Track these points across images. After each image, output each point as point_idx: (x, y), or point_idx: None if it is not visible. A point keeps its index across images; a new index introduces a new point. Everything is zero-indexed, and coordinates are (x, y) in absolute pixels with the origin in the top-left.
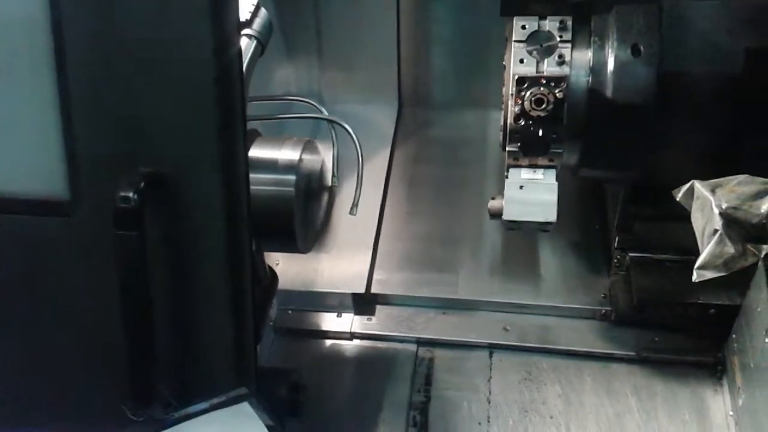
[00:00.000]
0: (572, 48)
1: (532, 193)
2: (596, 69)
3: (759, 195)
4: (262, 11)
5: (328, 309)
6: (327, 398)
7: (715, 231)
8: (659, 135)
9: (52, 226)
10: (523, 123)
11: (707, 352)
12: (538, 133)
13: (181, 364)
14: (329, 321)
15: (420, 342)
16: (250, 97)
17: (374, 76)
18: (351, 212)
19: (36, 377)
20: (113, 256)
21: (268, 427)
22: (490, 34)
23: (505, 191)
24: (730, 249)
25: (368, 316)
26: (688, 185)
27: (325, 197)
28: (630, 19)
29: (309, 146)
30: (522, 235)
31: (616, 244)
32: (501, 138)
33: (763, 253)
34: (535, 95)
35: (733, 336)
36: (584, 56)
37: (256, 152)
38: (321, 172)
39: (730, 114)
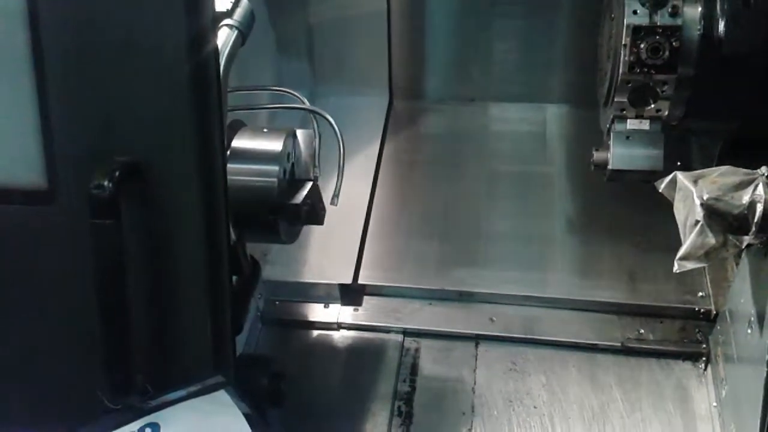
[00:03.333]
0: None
1: (639, 143)
2: (707, 20)
3: (740, 186)
4: (244, 1)
5: (316, 300)
6: (313, 388)
7: (697, 222)
8: (765, 87)
9: (30, 215)
10: (637, 71)
11: (692, 343)
12: (649, 83)
13: (159, 352)
14: (316, 311)
15: (406, 332)
16: (234, 87)
17: (365, 69)
18: (332, 202)
19: (13, 365)
20: (90, 245)
21: (246, 415)
22: (484, 25)
23: (612, 141)
24: (711, 240)
25: (355, 307)
26: (670, 176)
27: (309, 187)
28: None
29: (293, 137)
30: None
31: None
32: (605, 91)
33: (745, 243)
34: (652, 44)
35: (718, 327)
36: (695, 8)
37: (239, 142)
38: (305, 163)
39: None
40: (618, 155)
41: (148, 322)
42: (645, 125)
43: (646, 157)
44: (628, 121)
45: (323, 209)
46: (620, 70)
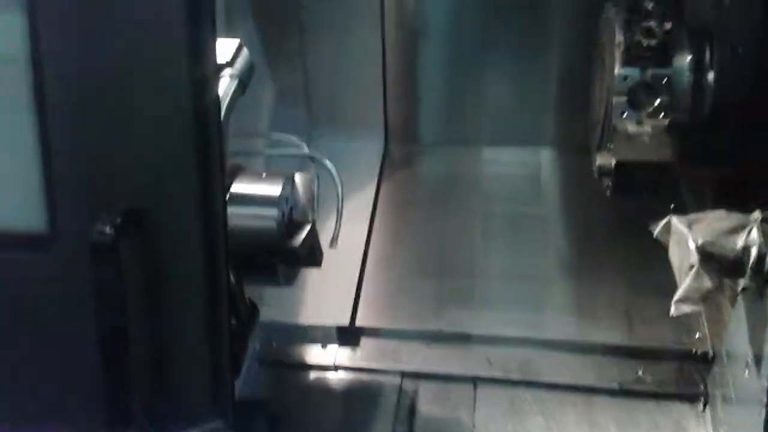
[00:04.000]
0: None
1: (642, 142)
2: (697, 68)
3: (735, 230)
4: (244, 51)
5: (313, 341)
6: (310, 430)
7: (692, 266)
8: (758, 132)
9: (30, 261)
10: (633, 54)
11: (690, 385)
12: (646, 79)
13: (159, 395)
14: (313, 353)
15: (404, 374)
16: (234, 133)
17: (360, 113)
18: (331, 246)
19: (13, 408)
20: (92, 290)
21: None
22: (478, 70)
23: (615, 142)
24: (707, 283)
25: (353, 348)
26: (665, 220)
27: (308, 230)
28: (728, 21)
29: (291, 180)
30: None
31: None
32: (597, 137)
33: (740, 287)
34: (644, 27)
35: (715, 368)
36: (685, 57)
37: (238, 186)
38: (303, 206)
39: None
40: (620, 148)
41: (148, 365)
42: (647, 127)
43: (652, 148)
44: (628, 124)
45: (321, 252)
46: (612, 118)
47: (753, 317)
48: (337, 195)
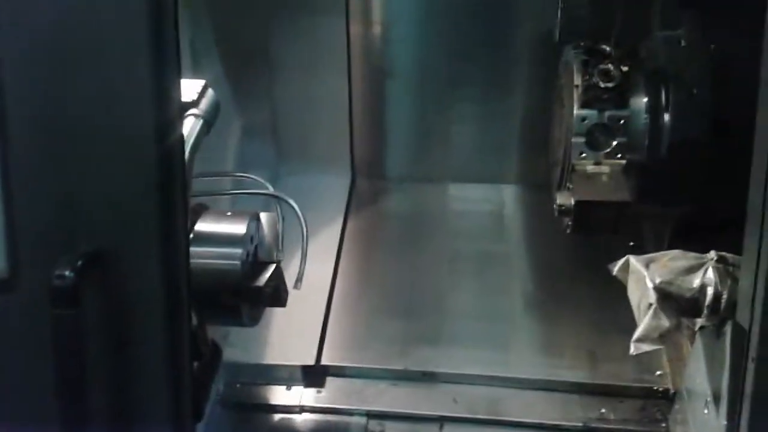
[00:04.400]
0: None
1: (601, 182)
2: (653, 110)
3: (691, 270)
4: (209, 92)
5: (278, 382)
6: None
7: (650, 305)
8: (713, 173)
9: None
10: (591, 95)
11: (652, 423)
12: (604, 120)
13: None
14: (278, 394)
15: (370, 414)
16: (198, 173)
17: (328, 150)
18: (295, 286)
19: None
20: (50, 334)
21: None
22: (443, 108)
23: (573, 181)
24: (665, 323)
25: (318, 389)
26: (623, 260)
27: (272, 270)
28: (683, 65)
29: (256, 219)
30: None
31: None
32: (557, 176)
33: (698, 326)
34: (602, 70)
35: (676, 406)
36: (641, 99)
37: (202, 226)
38: (268, 246)
39: None
40: (579, 189)
41: (108, 407)
42: (605, 168)
43: (610, 188)
44: (587, 166)
45: (286, 292)
46: (571, 158)
47: (711, 356)
48: (302, 235)
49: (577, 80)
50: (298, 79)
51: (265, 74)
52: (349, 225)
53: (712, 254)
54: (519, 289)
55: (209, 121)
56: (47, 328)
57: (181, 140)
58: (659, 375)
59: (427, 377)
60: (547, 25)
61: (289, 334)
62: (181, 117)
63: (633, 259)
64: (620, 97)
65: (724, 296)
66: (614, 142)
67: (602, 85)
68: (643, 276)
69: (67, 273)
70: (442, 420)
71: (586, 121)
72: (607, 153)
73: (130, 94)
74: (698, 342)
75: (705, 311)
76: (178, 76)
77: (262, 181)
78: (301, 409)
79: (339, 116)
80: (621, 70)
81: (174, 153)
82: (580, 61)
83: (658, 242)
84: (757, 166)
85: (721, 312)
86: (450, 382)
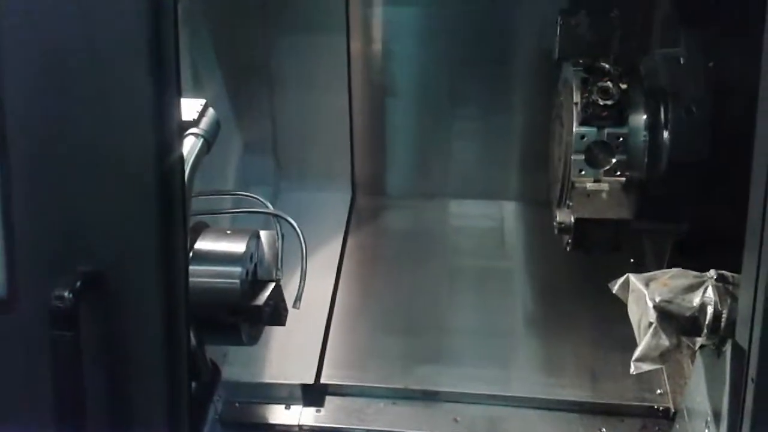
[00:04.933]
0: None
1: (600, 199)
2: (652, 128)
3: (691, 288)
4: (210, 111)
5: (277, 401)
6: None
7: (650, 324)
8: (712, 190)
9: None
10: (591, 113)
11: None
12: (603, 137)
13: None
14: (277, 413)
15: None
16: (198, 192)
17: (328, 166)
18: (294, 306)
19: None
20: (49, 355)
21: None
22: (443, 124)
23: (573, 199)
24: (665, 342)
25: (317, 408)
26: (623, 278)
27: (271, 290)
28: (681, 83)
29: (256, 238)
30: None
31: None
32: (557, 193)
33: (698, 345)
34: (601, 87)
35: (677, 426)
36: (641, 116)
37: (202, 244)
38: (268, 264)
39: None
40: (579, 206)
41: (106, 426)
42: (605, 185)
43: (609, 206)
44: (587, 183)
45: (286, 310)
46: (570, 175)
47: (711, 375)
48: (302, 254)
49: (576, 98)
50: (299, 96)
51: (266, 91)
52: (350, 242)
53: (712, 273)
54: (520, 307)
55: (209, 141)
56: (46, 349)
57: (181, 160)
58: (659, 393)
59: (428, 395)
60: (547, 42)
61: (288, 352)
62: (182, 136)
63: (633, 278)
64: (619, 115)
65: (724, 315)
66: (613, 160)
67: (601, 102)
68: (643, 294)
69: (65, 294)
70: None
71: (585, 139)
72: (607, 170)
73: (129, 115)
74: (698, 361)
75: (705, 330)
76: (179, 96)
77: (262, 200)
78: (300, 429)
79: (339, 133)
80: (620, 88)
81: (173, 173)
82: (579, 78)
83: (659, 259)
84: (755, 184)
85: (721, 331)
86: (451, 401)
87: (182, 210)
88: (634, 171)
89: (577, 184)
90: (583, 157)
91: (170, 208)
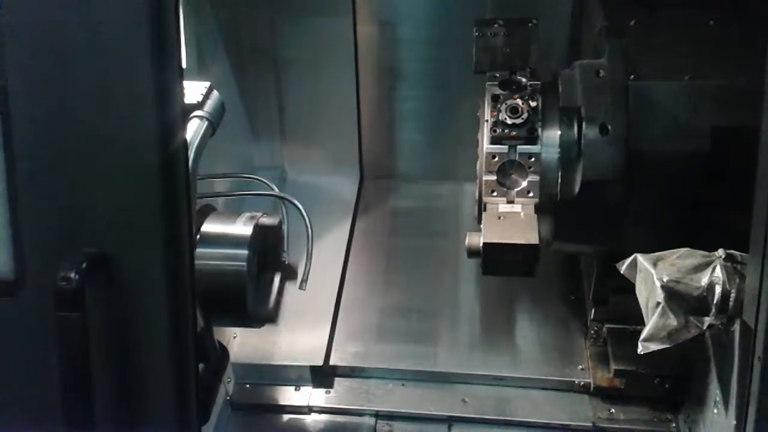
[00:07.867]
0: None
1: (512, 222)
2: (566, 146)
3: (699, 268)
4: (214, 93)
5: (286, 382)
6: None
7: (658, 304)
8: (628, 210)
9: None
10: (500, 132)
11: (662, 423)
12: (514, 157)
13: None
14: (287, 395)
15: (378, 415)
16: (203, 175)
17: (335, 149)
18: (300, 287)
19: None
20: (56, 336)
21: None
22: (455, 105)
23: (483, 221)
24: (673, 321)
25: (327, 389)
26: (631, 258)
27: (279, 272)
28: (598, 99)
29: (262, 221)
30: (494, 300)
31: (592, 316)
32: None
33: (706, 325)
34: (510, 105)
35: (686, 406)
36: (555, 133)
37: (209, 227)
38: (274, 247)
39: (695, 190)
40: (489, 231)
41: (113, 410)
42: (517, 207)
43: (520, 231)
44: (499, 205)
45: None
46: (482, 196)
47: (719, 355)
48: (307, 237)
49: (486, 115)
50: (306, 80)
51: (273, 73)
52: (358, 225)
53: (721, 252)
54: (528, 288)
55: (214, 123)
56: (53, 330)
57: (185, 143)
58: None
59: (436, 377)
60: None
61: (297, 334)
62: (186, 119)
63: (640, 258)
64: (530, 134)
65: (733, 294)
66: (525, 181)
67: (509, 121)
68: (651, 274)
69: (71, 275)
70: (450, 420)
71: (496, 159)
72: (519, 191)
73: (132, 98)
74: (707, 341)
75: (713, 310)
76: (181, 78)
77: (268, 182)
78: (310, 410)
79: (347, 116)
80: (530, 105)
81: (177, 156)
82: (490, 94)
83: (589, 278)
84: (763, 165)
85: (730, 311)
86: (459, 382)
87: (187, 192)
88: (547, 191)
89: (489, 206)
90: (494, 177)
91: (174, 190)
